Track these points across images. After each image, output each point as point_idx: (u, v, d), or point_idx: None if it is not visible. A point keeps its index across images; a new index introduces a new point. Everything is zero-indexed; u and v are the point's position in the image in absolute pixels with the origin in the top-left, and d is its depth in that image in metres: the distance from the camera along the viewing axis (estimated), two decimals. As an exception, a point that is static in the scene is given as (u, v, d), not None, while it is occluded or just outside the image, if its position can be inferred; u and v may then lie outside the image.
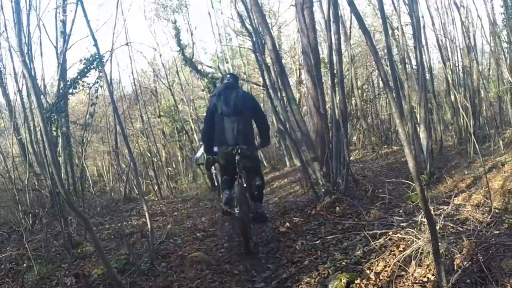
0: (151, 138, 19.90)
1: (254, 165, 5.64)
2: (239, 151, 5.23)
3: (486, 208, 5.17)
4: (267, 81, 7.11)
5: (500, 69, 12.60)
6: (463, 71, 12.43)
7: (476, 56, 12.27)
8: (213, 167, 8.87)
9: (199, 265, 4.62)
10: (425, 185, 6.37)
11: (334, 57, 6.38)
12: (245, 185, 5.36)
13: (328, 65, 7.03)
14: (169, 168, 21.54)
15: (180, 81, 20.42)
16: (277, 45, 7.51)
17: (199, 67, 17.72)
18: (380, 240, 4.38)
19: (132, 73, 24.29)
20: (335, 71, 6.63)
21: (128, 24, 18.47)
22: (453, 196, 5.10)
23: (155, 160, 20.60)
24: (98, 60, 7.49)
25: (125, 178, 11.87)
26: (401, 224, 4.90)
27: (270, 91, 6.87)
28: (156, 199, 15.81)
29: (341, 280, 3.55)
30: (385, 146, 14.10)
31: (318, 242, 4.93)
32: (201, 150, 9.65)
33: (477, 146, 6.01)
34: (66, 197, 2.93)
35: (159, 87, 24.22)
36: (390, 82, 7.78)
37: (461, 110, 9.90)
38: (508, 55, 11.81)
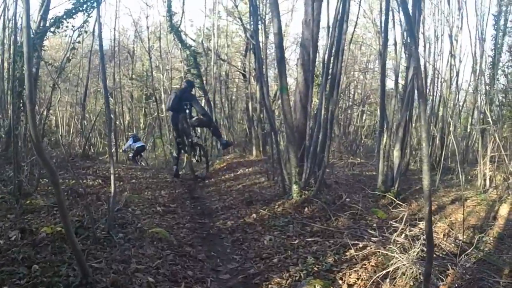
0: (118, 99, 19.27)
1: None
2: None
3: (451, 239, 5.12)
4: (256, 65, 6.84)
5: (476, 107, 12.71)
6: (439, 102, 12.52)
7: (458, 90, 12.34)
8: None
9: (160, 243, 4.29)
10: (389, 203, 6.25)
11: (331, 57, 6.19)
12: None
13: (324, 64, 6.76)
14: (130, 133, 20.94)
15: (160, 47, 19.83)
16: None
17: (184, 38, 17.18)
18: (351, 250, 4.23)
19: (115, 29, 23.28)
20: (329, 71, 6.42)
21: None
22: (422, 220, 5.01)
23: (117, 122, 20.02)
24: (91, 2, 6.96)
25: (86, 134, 11.31)
26: (372, 238, 4.76)
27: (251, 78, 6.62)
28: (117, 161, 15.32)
29: (314, 286, 3.33)
30: (352, 157, 14.05)
31: (286, 240, 4.69)
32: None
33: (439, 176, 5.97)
34: (37, 143, 2.53)
35: (137, 50, 23.52)
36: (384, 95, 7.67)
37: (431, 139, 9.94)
38: (486, 97, 11.89)
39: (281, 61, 6.41)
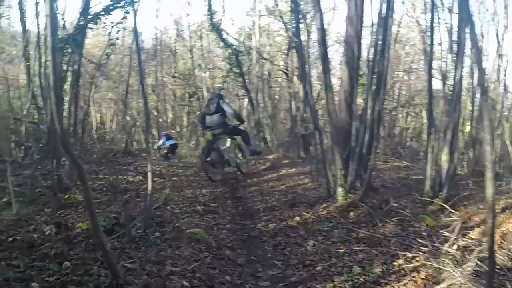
0: (161, 97, 19.39)
1: None
2: None
3: (503, 251, 4.69)
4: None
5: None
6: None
7: (506, 91, 11.73)
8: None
9: (198, 244, 4.10)
10: (438, 209, 5.86)
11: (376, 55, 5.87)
12: None
13: (369, 62, 6.45)
14: (173, 131, 21.06)
15: (202, 46, 19.84)
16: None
17: (225, 36, 17.12)
18: (399, 260, 3.92)
19: (156, 27, 23.49)
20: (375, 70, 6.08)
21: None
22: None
23: (160, 120, 20.17)
24: (128, -1, 6.91)
25: (129, 131, 11.34)
26: (422, 247, 4.41)
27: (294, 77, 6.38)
28: (155, 158, 15.40)
29: (361, 301, 3.05)
30: (397, 159, 13.56)
31: (330, 247, 4.41)
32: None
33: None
34: (62, 137, 2.37)
35: (179, 48, 23.64)
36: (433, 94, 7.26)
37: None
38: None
39: (325, 57, 6.12)
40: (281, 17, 15.96)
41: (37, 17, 8.03)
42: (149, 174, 4.24)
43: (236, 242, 4.60)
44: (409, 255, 4.06)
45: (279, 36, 19.27)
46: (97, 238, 2.77)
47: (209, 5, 16.57)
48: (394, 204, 5.97)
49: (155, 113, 19.55)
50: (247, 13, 17.64)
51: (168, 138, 16.26)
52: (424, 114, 17.20)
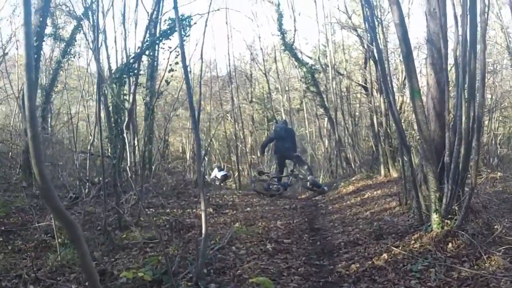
0: (239, 123, 19.14)
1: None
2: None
3: None
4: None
5: None
6: None
7: None
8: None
9: (261, 300, 3.33)
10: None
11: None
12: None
13: (457, 60, 5.42)
14: (253, 156, 20.70)
15: (277, 69, 19.52)
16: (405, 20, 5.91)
17: (299, 55, 16.64)
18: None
19: (228, 53, 23.50)
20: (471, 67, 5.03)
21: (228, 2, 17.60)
22: None
23: (240, 145, 19.91)
24: (185, 20, 6.47)
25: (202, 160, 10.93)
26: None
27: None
28: (234, 186, 15.00)
29: None
30: (489, 171, 11.95)
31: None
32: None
33: None
34: (42, 181, 1.71)
35: (254, 72, 23.52)
36: None
37: None
38: None
39: (409, 57, 5.18)
40: (355, 30, 15.31)
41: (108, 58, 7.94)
42: (203, 214, 3.58)
43: (309, 293, 3.76)
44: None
45: (354, 50, 18.57)
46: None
47: (280, 25, 16.30)
48: (496, 227, 4.87)
49: (234, 139, 19.27)
50: (319, 30, 17.02)
51: (220, 169, 17.12)
52: None
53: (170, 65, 6.93)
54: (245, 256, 4.43)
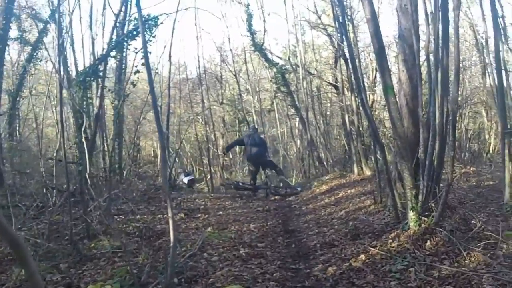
0: (210, 125, 18.92)
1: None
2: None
3: None
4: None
5: None
6: None
7: None
8: None
9: (234, 309, 3.14)
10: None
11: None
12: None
13: (428, 56, 5.39)
14: (226, 158, 20.49)
15: (247, 70, 19.41)
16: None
17: (269, 56, 16.58)
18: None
19: (198, 55, 23.23)
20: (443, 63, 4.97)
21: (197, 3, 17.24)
22: None
23: (212, 148, 19.69)
24: (151, 20, 6.23)
25: (170, 164, 10.69)
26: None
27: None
28: (207, 188, 14.76)
29: None
30: (461, 166, 12.10)
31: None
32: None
33: None
34: None
35: (224, 74, 23.34)
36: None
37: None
38: None
39: (381, 52, 5.08)
40: (325, 29, 15.33)
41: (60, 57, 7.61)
42: (171, 222, 3.36)
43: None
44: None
45: (325, 50, 18.65)
46: None
47: (249, 25, 16.21)
48: (472, 222, 4.83)
49: (206, 141, 19.01)
50: (289, 31, 17.11)
51: (187, 174, 16.80)
52: (483, 113, 16.02)
53: (136, 66, 6.68)
54: (218, 262, 4.23)
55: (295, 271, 4.16)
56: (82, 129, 6.59)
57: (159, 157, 19.98)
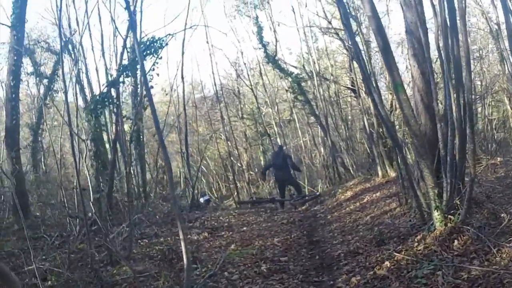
0: (232, 141, 18.91)
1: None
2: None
3: None
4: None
5: None
6: None
7: None
8: None
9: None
10: None
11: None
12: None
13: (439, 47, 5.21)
14: (251, 172, 20.42)
15: (263, 83, 19.37)
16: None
17: (283, 66, 16.51)
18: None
19: (213, 72, 23.18)
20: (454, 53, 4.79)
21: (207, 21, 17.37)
22: None
23: (236, 163, 19.67)
24: (156, 42, 6.25)
25: (192, 183, 10.67)
26: None
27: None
28: (234, 204, 14.69)
29: None
30: (488, 157, 11.71)
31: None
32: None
33: None
34: None
35: (241, 88, 23.35)
36: None
37: None
38: None
39: (386, 49, 4.95)
40: (336, 34, 15.18)
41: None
42: (183, 244, 3.28)
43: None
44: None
45: (339, 55, 18.48)
46: None
47: (260, 38, 16.24)
48: (502, 215, 4.59)
49: (230, 158, 18.97)
50: (301, 39, 17.04)
51: (203, 195, 16.91)
52: (506, 100, 15.55)
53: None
54: (238, 281, 4.14)
55: (318, 284, 4.03)
56: (96, 156, 6.61)
57: (181, 178, 20.08)
